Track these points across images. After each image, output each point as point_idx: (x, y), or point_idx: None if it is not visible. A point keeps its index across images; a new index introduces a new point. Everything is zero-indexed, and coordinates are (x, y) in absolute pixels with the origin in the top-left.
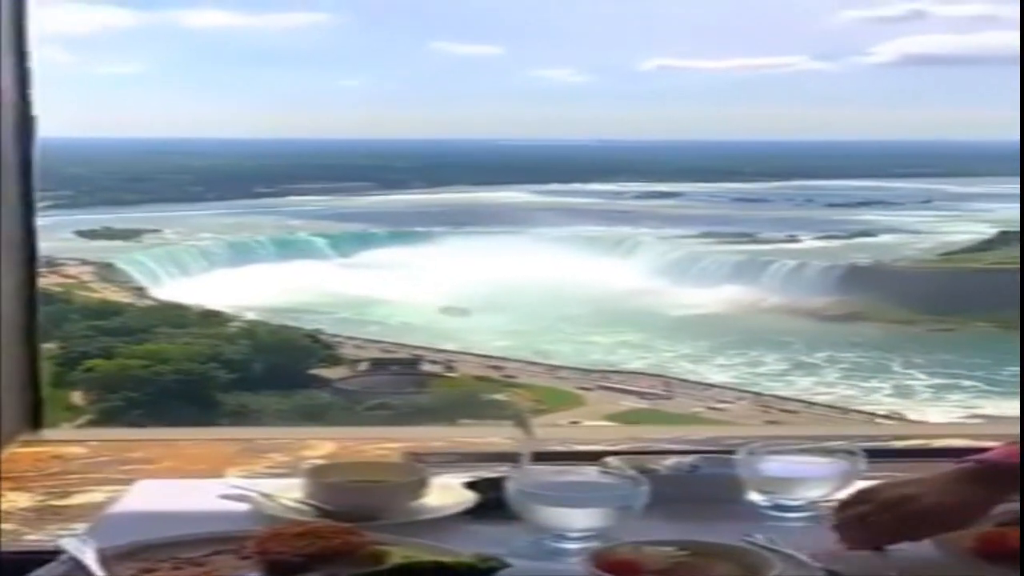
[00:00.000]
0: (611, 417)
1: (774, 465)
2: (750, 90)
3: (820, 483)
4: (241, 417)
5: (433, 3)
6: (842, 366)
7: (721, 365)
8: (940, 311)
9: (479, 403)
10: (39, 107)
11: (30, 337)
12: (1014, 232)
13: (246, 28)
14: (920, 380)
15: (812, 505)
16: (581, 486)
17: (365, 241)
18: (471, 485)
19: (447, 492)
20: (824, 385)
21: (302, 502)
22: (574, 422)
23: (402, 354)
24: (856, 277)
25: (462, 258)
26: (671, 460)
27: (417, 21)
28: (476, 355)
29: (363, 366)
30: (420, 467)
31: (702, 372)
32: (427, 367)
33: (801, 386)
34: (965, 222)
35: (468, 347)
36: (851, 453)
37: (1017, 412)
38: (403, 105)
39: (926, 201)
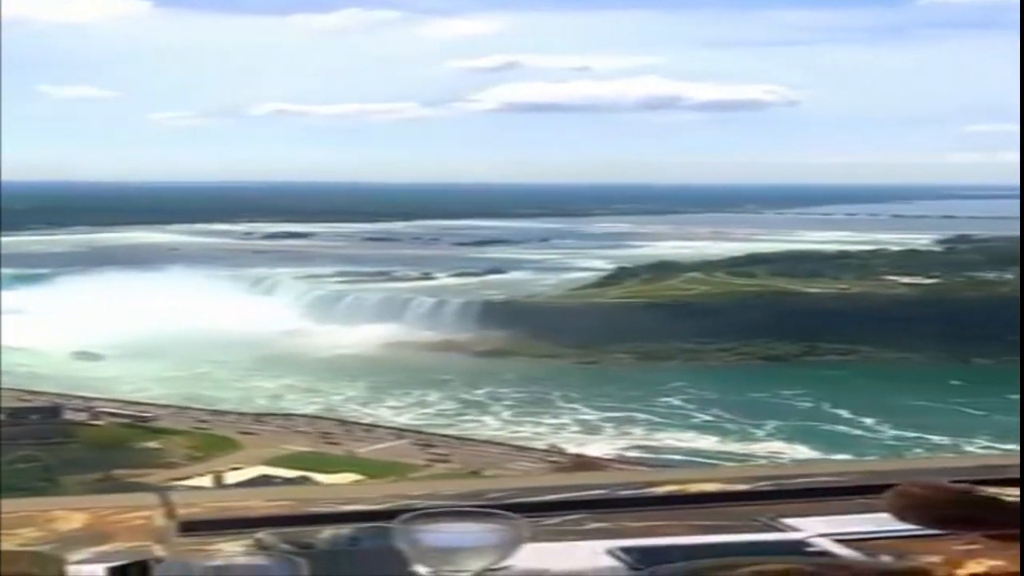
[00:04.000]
0: (271, 461)
1: (435, 535)
2: (363, 134)
3: (485, 552)
4: None
5: (39, 47)
6: (506, 403)
7: (393, 407)
8: (578, 344)
9: (132, 452)
10: None
11: None
12: (630, 268)
13: None
14: (589, 415)
15: (482, 575)
16: (238, 570)
17: None
18: (118, 571)
19: None
20: (501, 422)
21: None
22: (235, 467)
23: (41, 402)
24: (494, 313)
25: (91, 301)
26: (328, 532)
27: (26, 64)
28: (123, 402)
29: None
30: (57, 556)
31: (380, 414)
32: (70, 415)
33: (489, 425)
34: (583, 259)
35: (114, 395)
36: (510, 518)
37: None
38: (16, 146)
39: (544, 239)
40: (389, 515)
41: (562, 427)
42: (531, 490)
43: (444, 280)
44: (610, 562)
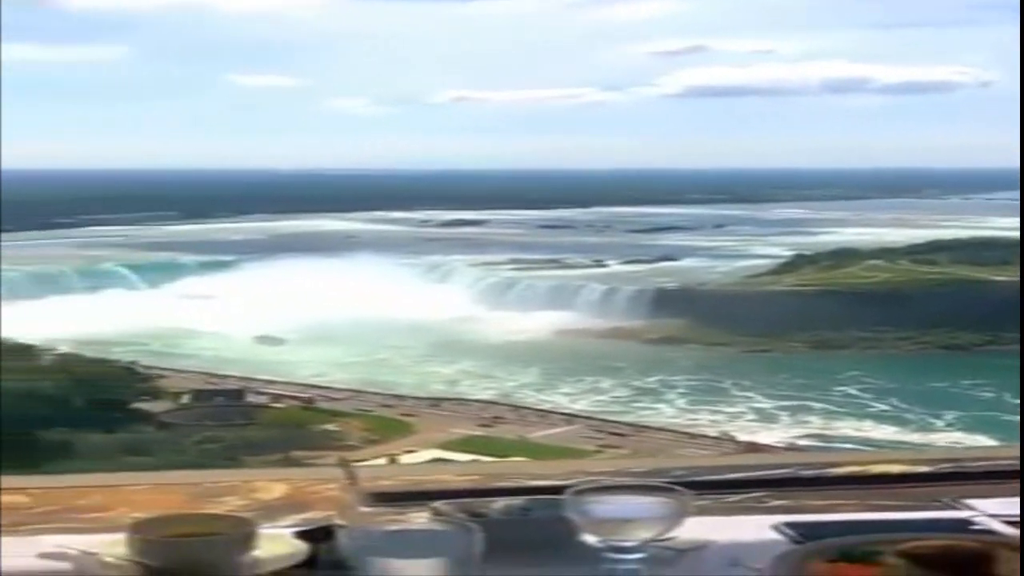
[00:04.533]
0: (445, 445)
1: (604, 507)
2: (543, 120)
3: (651, 523)
4: (64, 455)
5: (226, 36)
6: (680, 390)
7: (567, 393)
8: (751, 332)
9: (310, 434)
10: None
11: None
12: (809, 255)
13: (47, 61)
14: (764, 403)
15: (647, 545)
16: (415, 535)
17: (173, 271)
18: (303, 535)
19: (277, 544)
20: (676, 410)
21: (128, 560)
22: (409, 451)
23: (225, 385)
24: (665, 300)
25: (274, 287)
26: (501, 503)
27: (214, 54)
28: (303, 385)
29: (186, 399)
30: (248, 519)
31: (555, 400)
32: (252, 398)
33: (664, 413)
34: (760, 245)
35: (295, 379)
36: (677, 491)
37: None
38: (205, 136)
39: (719, 226)
40: (565, 490)
41: (738, 415)
42: (712, 469)
43: (616, 267)
44: (774, 536)
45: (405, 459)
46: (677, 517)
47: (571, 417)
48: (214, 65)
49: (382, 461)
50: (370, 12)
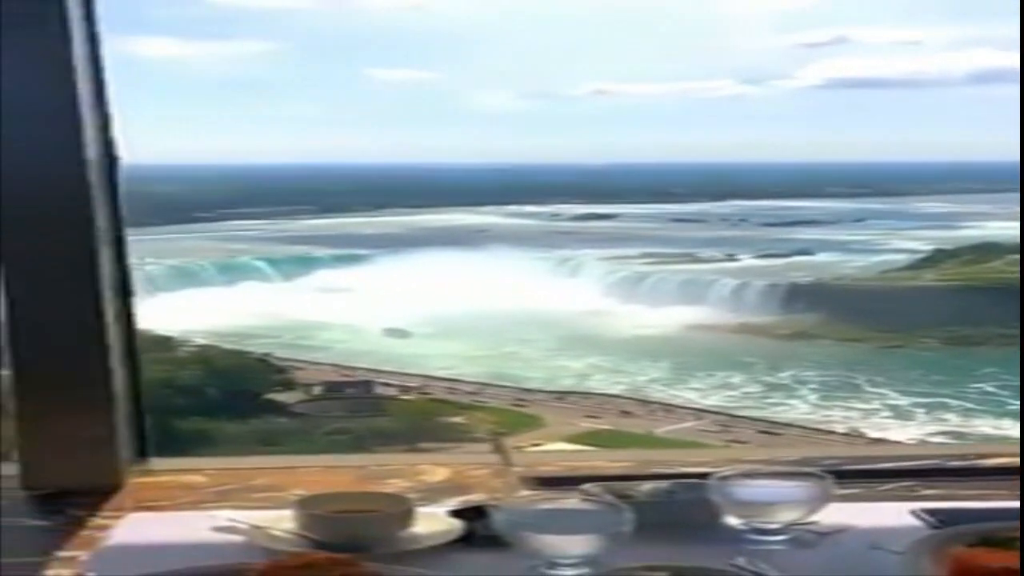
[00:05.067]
0: (572, 439)
1: (748, 490)
2: (680, 113)
3: (793, 506)
4: (199, 444)
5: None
6: (811, 386)
7: (696, 389)
8: (885, 328)
9: (437, 426)
10: None
11: (133, 364)
12: (949, 250)
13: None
14: (899, 400)
15: (789, 528)
16: (567, 514)
17: (307, 264)
18: (456, 513)
19: (434, 521)
20: (809, 406)
21: (294, 533)
22: (536, 444)
23: (355, 377)
24: (798, 295)
25: (406, 280)
26: (647, 486)
27: (354, 48)
28: (431, 377)
29: (317, 390)
30: (407, 497)
31: (686, 396)
32: (381, 390)
33: (798, 409)
34: (899, 239)
35: (424, 371)
36: (820, 477)
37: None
38: (342, 130)
39: (859, 220)
40: (701, 479)
41: (872, 412)
42: (858, 459)
43: (749, 261)
44: (913, 522)
45: (532, 451)
46: (819, 501)
47: (699, 412)
48: (353, 59)
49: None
50: (511, 6)
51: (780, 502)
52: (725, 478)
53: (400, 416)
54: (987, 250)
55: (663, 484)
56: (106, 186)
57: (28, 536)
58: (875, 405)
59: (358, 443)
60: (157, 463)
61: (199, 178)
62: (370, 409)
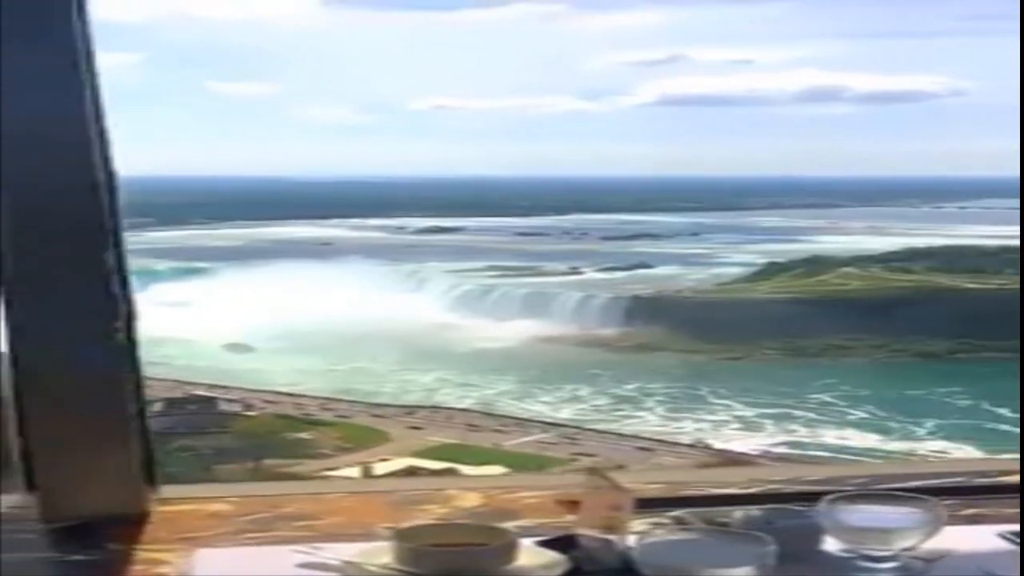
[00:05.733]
0: (419, 453)
1: (857, 515)
2: (518, 128)
3: (909, 532)
4: None
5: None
6: (658, 398)
7: (546, 402)
8: (724, 339)
9: (284, 442)
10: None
11: (139, 386)
12: (782, 263)
13: None
14: (745, 411)
15: (901, 555)
16: (706, 545)
17: (147, 277)
18: (544, 544)
19: (533, 554)
20: (659, 418)
21: (394, 569)
22: (383, 459)
23: (197, 393)
24: (640, 308)
25: (247, 294)
26: (740, 513)
27: (195, 60)
28: (275, 392)
29: (158, 407)
30: (505, 529)
31: (536, 409)
32: (224, 406)
33: (651, 421)
34: (734, 253)
35: (267, 387)
36: (927, 500)
37: None
38: (180, 142)
39: (695, 234)
40: (786, 497)
41: (721, 423)
42: (890, 477)
43: (591, 275)
44: (1003, 544)
45: (379, 467)
46: (933, 526)
47: (544, 425)
48: (193, 72)
49: (355, 470)
50: (355, 22)
51: (895, 528)
52: (833, 503)
53: (245, 433)
54: (818, 263)
55: (754, 511)
56: (111, 203)
57: (74, 573)
58: (723, 416)
59: (203, 460)
60: (169, 491)
61: None
62: (214, 426)
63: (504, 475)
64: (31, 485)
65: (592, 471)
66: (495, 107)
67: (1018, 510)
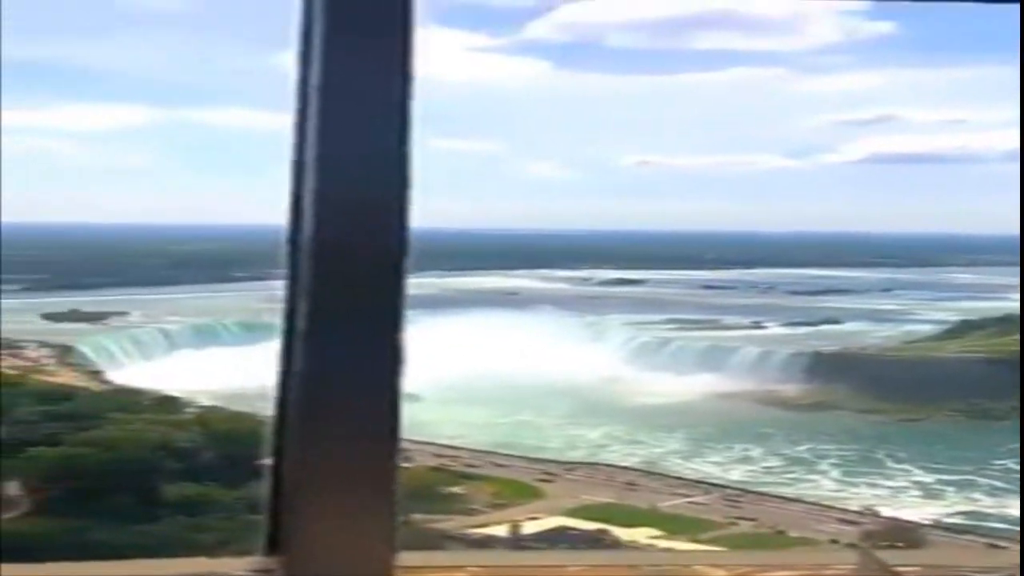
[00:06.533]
0: (570, 512)
1: None
2: (718, 185)
3: None
4: (184, 509)
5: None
6: (832, 460)
7: (716, 462)
8: (906, 399)
9: (436, 496)
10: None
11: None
12: (976, 320)
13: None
14: (924, 477)
15: None
16: None
17: None
18: None
19: None
20: (833, 482)
21: None
22: (533, 516)
23: None
24: (822, 364)
25: (430, 343)
26: None
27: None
28: (437, 444)
29: None
30: None
31: (707, 470)
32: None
33: (824, 486)
34: (927, 310)
35: (431, 438)
36: None
37: None
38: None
39: (887, 290)
40: None
41: (900, 490)
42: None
43: (774, 329)
44: None
45: (529, 526)
46: None
47: (707, 487)
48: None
49: (503, 529)
50: (580, 84)
51: None
52: None
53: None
54: (1013, 322)
55: None
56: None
57: None
58: (901, 483)
59: None
60: (408, 558)
61: (242, 237)
62: None
63: (750, 552)
64: (273, 545)
65: (859, 550)
66: (698, 164)
67: None
